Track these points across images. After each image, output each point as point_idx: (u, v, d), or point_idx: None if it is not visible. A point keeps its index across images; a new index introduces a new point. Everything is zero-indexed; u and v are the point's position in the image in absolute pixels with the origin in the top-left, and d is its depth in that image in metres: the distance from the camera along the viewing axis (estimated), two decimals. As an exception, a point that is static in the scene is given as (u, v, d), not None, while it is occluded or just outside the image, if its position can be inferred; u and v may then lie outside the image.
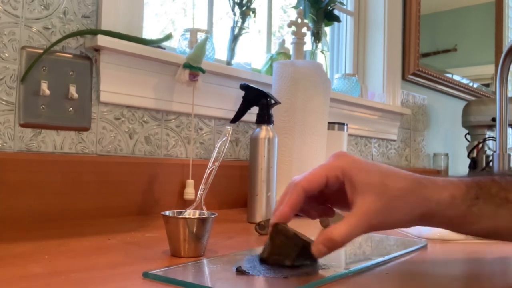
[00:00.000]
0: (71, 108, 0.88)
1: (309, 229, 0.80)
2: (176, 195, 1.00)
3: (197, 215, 0.59)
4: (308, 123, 1.05)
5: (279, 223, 0.50)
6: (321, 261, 0.52)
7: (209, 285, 0.43)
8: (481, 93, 2.38)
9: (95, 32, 0.89)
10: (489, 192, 0.50)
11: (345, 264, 0.55)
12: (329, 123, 1.16)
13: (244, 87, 0.92)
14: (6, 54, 0.80)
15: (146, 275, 0.45)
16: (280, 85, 1.06)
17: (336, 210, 0.57)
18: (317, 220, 0.82)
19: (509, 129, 1.59)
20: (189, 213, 0.59)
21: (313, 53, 1.44)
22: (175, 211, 0.59)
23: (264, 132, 0.89)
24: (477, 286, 0.50)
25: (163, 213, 0.56)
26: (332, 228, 0.47)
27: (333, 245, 0.47)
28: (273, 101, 0.91)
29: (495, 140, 1.44)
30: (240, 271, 0.47)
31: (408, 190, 0.48)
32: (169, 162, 1.01)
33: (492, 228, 0.50)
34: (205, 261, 0.52)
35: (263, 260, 0.50)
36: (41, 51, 0.83)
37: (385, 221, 0.48)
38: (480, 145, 1.87)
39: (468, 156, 1.91)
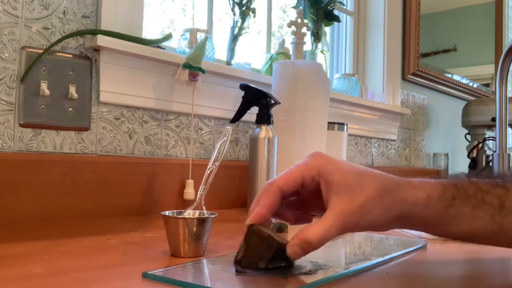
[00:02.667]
0: (71, 108, 0.88)
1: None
2: (176, 195, 1.00)
3: (197, 215, 0.59)
4: (308, 123, 1.05)
5: (254, 224, 0.49)
6: (320, 261, 0.52)
7: (209, 286, 0.43)
8: (481, 93, 2.38)
9: (94, 32, 0.89)
10: (466, 193, 0.49)
11: (345, 264, 0.55)
12: (329, 123, 1.16)
13: (244, 87, 0.92)
14: (6, 54, 0.81)
15: (145, 275, 0.45)
16: (280, 85, 1.06)
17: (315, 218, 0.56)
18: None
19: (509, 129, 1.59)
20: (189, 213, 0.59)
21: (313, 53, 1.44)
22: (175, 211, 0.59)
23: (264, 132, 0.89)
24: (477, 286, 0.50)
25: (163, 213, 0.56)
26: (307, 229, 0.46)
27: (308, 247, 0.46)
28: (273, 101, 0.91)
29: (495, 140, 1.44)
30: (239, 272, 0.47)
31: (384, 191, 0.48)
32: (169, 162, 1.01)
33: (469, 230, 0.50)
34: (204, 261, 0.52)
35: (237, 262, 0.49)
36: (41, 51, 0.83)
37: (361, 222, 0.47)
38: (480, 145, 1.87)
39: (468, 156, 1.91)
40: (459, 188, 0.50)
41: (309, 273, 0.48)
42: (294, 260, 0.49)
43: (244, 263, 0.48)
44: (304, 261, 0.51)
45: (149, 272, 0.45)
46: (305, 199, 0.54)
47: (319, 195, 0.49)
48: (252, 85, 0.92)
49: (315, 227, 0.46)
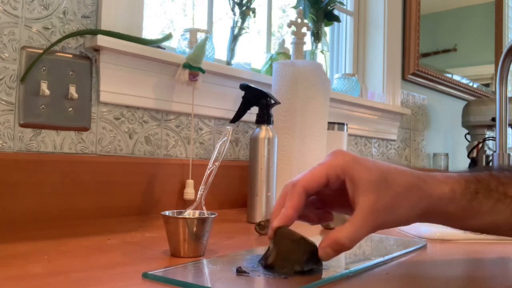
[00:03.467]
0: (71, 108, 0.88)
1: (309, 229, 0.80)
2: (176, 195, 1.00)
3: (197, 215, 0.59)
4: (308, 123, 1.05)
5: (282, 226, 0.48)
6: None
7: (209, 286, 0.43)
8: (481, 93, 2.38)
9: (95, 32, 0.89)
10: (488, 186, 0.50)
11: (345, 264, 0.55)
12: (329, 123, 1.16)
13: (244, 87, 0.92)
14: (6, 54, 0.80)
15: (145, 275, 0.45)
16: (280, 85, 1.06)
17: (335, 213, 0.56)
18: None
19: (509, 129, 1.59)
20: (189, 213, 0.59)
21: (313, 53, 1.44)
22: (175, 211, 0.59)
23: (264, 132, 0.89)
24: (477, 286, 0.50)
25: (163, 213, 0.56)
26: (338, 231, 0.46)
27: (341, 248, 0.46)
28: (273, 101, 0.91)
29: (495, 140, 1.44)
30: (240, 272, 0.46)
31: (410, 186, 0.48)
32: (169, 162, 1.01)
33: (491, 223, 0.50)
34: (205, 261, 0.52)
35: (268, 266, 0.48)
36: (41, 51, 0.83)
37: (390, 219, 0.48)
38: (480, 145, 1.87)
39: (468, 156, 1.91)
40: (481, 182, 0.50)
41: (309, 273, 0.48)
42: (325, 261, 0.48)
43: (277, 267, 0.47)
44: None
45: (150, 272, 0.45)
46: (326, 198, 0.54)
47: (341, 194, 0.49)
48: (252, 85, 0.92)
49: (346, 228, 0.46)
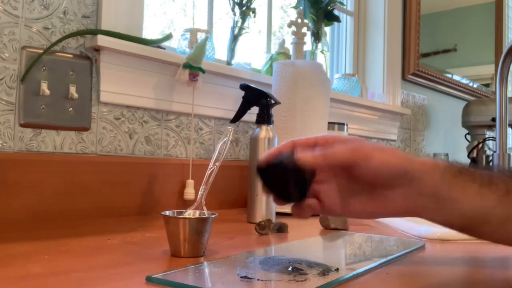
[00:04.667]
0: (71, 108, 0.88)
1: (309, 229, 0.80)
2: (176, 195, 1.00)
3: (197, 215, 0.59)
4: (308, 123, 1.05)
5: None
6: (322, 262, 0.52)
7: None
8: (481, 93, 2.38)
9: (95, 32, 0.89)
10: (472, 173, 0.50)
11: (345, 265, 0.55)
12: (329, 123, 1.16)
13: (244, 87, 0.92)
14: (6, 54, 0.80)
15: (149, 279, 0.44)
16: (280, 85, 1.06)
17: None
18: (317, 220, 0.82)
19: (509, 129, 1.59)
20: (189, 213, 0.59)
21: (313, 53, 1.44)
22: (175, 211, 0.59)
23: (264, 132, 0.89)
24: (477, 286, 0.50)
25: (163, 213, 0.56)
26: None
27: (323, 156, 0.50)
28: (273, 101, 0.91)
29: (495, 140, 1.44)
30: (244, 277, 0.46)
31: (391, 148, 0.52)
32: (169, 162, 1.01)
33: (479, 208, 0.48)
34: (206, 263, 0.52)
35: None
36: (41, 51, 0.83)
37: (373, 154, 0.49)
38: (480, 145, 1.87)
39: (468, 156, 1.91)
40: (464, 168, 0.51)
41: (312, 277, 0.48)
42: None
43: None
44: (303, 261, 0.52)
45: (153, 276, 0.45)
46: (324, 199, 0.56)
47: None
48: (252, 85, 0.92)
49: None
